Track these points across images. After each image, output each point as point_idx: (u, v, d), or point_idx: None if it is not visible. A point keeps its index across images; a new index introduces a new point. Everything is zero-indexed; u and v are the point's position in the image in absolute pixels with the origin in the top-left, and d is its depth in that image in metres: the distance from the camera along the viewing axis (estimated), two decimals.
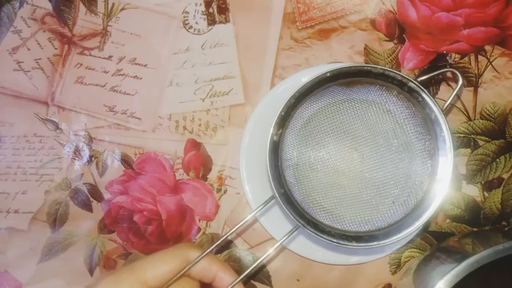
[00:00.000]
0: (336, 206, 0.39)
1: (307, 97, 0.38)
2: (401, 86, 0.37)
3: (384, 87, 0.38)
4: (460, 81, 0.37)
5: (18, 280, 0.47)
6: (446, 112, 0.45)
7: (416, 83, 0.37)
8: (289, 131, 0.39)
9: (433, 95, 0.46)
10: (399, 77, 0.37)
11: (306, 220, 0.37)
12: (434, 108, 0.36)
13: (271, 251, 0.37)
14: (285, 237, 0.37)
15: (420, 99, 0.37)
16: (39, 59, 0.48)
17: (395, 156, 0.39)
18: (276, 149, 0.38)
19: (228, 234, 0.37)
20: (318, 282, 0.46)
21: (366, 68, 0.37)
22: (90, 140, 0.47)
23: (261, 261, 0.37)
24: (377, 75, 0.37)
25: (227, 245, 0.46)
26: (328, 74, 0.37)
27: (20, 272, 0.47)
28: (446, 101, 0.38)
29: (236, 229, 0.38)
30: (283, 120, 0.38)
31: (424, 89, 0.37)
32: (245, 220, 0.37)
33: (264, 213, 0.44)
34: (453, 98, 0.37)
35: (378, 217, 0.38)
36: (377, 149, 0.39)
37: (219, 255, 0.46)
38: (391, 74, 0.37)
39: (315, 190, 0.40)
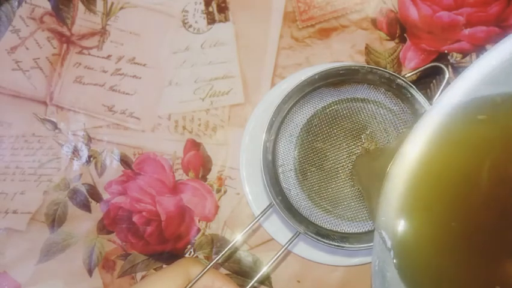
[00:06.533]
0: (335, 208, 0.39)
1: (297, 101, 0.38)
2: (389, 84, 0.37)
3: (372, 86, 0.38)
4: (447, 75, 0.37)
5: (17, 281, 0.47)
6: None
7: (404, 80, 0.37)
8: (281, 136, 0.39)
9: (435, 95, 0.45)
10: (387, 75, 0.37)
11: (306, 225, 0.37)
12: (424, 103, 0.36)
13: (274, 259, 0.37)
14: (286, 245, 0.37)
15: (409, 95, 0.37)
16: (38, 58, 0.47)
17: (387, 154, 0.39)
18: (270, 156, 0.38)
19: (222, 255, 0.37)
20: (319, 284, 0.45)
21: (353, 67, 0.37)
22: (89, 140, 0.47)
23: (265, 271, 0.37)
24: (365, 74, 0.37)
25: (227, 246, 0.46)
26: (316, 76, 0.37)
27: (19, 273, 0.47)
28: (434, 96, 0.38)
29: (231, 246, 0.38)
30: (275, 126, 0.38)
31: (412, 85, 0.37)
32: (244, 233, 0.38)
33: (267, 217, 0.44)
34: (441, 91, 0.37)
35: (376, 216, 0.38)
36: (370, 148, 0.39)
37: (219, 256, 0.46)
38: (379, 71, 0.37)
39: (312, 193, 0.40)
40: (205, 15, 0.47)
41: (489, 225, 0.28)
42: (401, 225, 0.27)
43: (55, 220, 0.47)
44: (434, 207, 0.28)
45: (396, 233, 0.27)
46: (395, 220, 0.27)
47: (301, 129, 0.40)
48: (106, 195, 0.47)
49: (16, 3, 0.47)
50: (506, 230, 0.28)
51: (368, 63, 0.46)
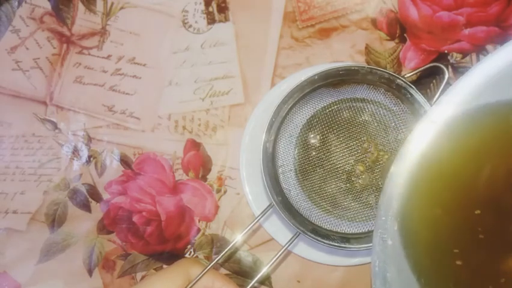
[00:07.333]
0: (335, 208, 0.39)
1: (297, 101, 0.38)
2: (389, 84, 0.37)
3: (372, 86, 0.38)
4: (446, 75, 0.37)
5: (17, 281, 0.47)
6: None
7: (404, 80, 0.37)
8: (281, 136, 0.39)
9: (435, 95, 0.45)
10: (386, 75, 0.37)
11: (306, 226, 0.37)
12: (423, 103, 0.36)
13: (274, 259, 0.37)
14: (286, 245, 0.37)
15: (409, 95, 0.37)
16: (38, 58, 0.47)
17: (388, 154, 0.39)
18: (270, 156, 0.38)
19: (222, 255, 0.37)
20: (319, 284, 0.45)
21: (353, 67, 0.37)
22: (89, 140, 0.47)
23: (265, 271, 0.37)
24: (365, 74, 0.37)
25: (227, 246, 0.46)
26: (316, 77, 0.37)
27: (19, 273, 0.47)
28: (434, 96, 0.38)
29: (231, 246, 0.38)
30: (275, 126, 0.38)
31: (412, 85, 0.37)
32: (244, 233, 0.38)
33: (267, 218, 0.44)
34: (441, 91, 0.37)
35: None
36: (370, 148, 0.39)
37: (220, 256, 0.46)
38: (378, 72, 0.37)
39: (312, 194, 0.40)
40: (205, 15, 0.46)
41: (490, 223, 0.28)
42: (400, 226, 0.27)
43: (55, 220, 0.47)
44: (435, 208, 0.28)
45: (396, 233, 0.27)
46: (395, 220, 0.27)
47: (301, 129, 0.40)
48: (106, 195, 0.47)
49: (16, 3, 0.47)
50: (506, 228, 0.28)
51: (368, 63, 0.46)
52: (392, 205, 0.27)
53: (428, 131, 0.26)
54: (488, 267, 0.28)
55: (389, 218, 0.27)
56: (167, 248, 0.46)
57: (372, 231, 0.38)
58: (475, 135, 0.27)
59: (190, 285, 0.34)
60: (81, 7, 0.47)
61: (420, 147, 0.26)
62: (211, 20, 0.46)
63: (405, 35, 0.46)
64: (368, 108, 0.39)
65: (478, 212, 0.28)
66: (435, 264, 0.28)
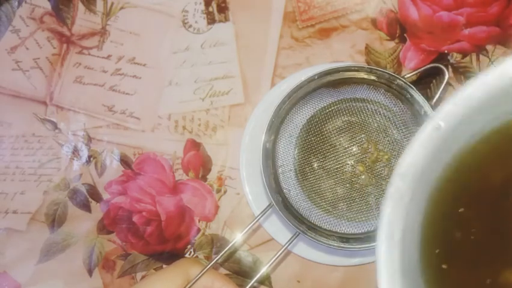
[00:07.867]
0: (335, 208, 0.39)
1: (297, 101, 0.38)
2: (389, 84, 0.37)
3: (372, 86, 0.38)
4: (446, 75, 0.37)
5: (17, 281, 0.47)
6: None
7: (404, 80, 0.37)
8: (281, 136, 0.39)
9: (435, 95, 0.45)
10: (386, 75, 0.37)
11: (305, 226, 0.37)
12: (423, 104, 0.36)
13: (274, 259, 0.37)
14: (286, 245, 0.37)
15: (409, 95, 0.37)
16: (38, 58, 0.47)
17: (388, 154, 0.39)
18: (269, 156, 0.38)
19: (221, 255, 0.37)
20: (319, 284, 0.45)
21: (353, 67, 0.37)
22: (89, 140, 0.47)
23: (265, 271, 0.38)
24: (365, 74, 0.37)
25: (227, 246, 0.46)
26: (316, 77, 0.37)
27: (19, 273, 0.47)
28: (434, 96, 0.38)
29: (231, 246, 0.38)
30: (275, 126, 0.38)
31: (412, 86, 0.37)
32: (244, 233, 0.38)
33: (267, 217, 0.44)
34: (441, 91, 0.37)
35: (376, 217, 0.38)
36: (370, 148, 0.39)
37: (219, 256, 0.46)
38: (378, 72, 0.37)
39: (312, 194, 0.40)
40: (205, 15, 0.46)
41: (486, 224, 0.28)
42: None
43: (55, 220, 0.47)
44: (432, 207, 0.28)
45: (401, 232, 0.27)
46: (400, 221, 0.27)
47: (301, 129, 0.40)
48: (106, 195, 0.47)
49: (16, 3, 0.47)
50: (505, 230, 0.28)
51: (368, 63, 0.46)
52: (396, 205, 0.27)
53: (433, 134, 0.26)
54: (476, 271, 0.28)
55: (393, 219, 0.27)
56: (167, 248, 0.46)
57: (372, 231, 0.38)
58: (479, 140, 0.27)
59: (189, 285, 0.34)
60: (81, 7, 0.47)
61: (424, 152, 0.26)
62: (211, 20, 0.46)
63: (405, 35, 0.46)
64: (368, 108, 0.39)
65: (461, 210, 0.28)
66: (428, 267, 0.28)
